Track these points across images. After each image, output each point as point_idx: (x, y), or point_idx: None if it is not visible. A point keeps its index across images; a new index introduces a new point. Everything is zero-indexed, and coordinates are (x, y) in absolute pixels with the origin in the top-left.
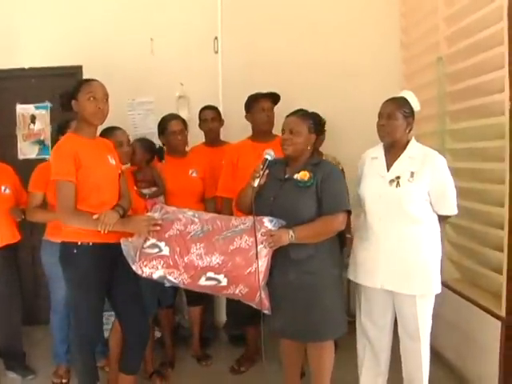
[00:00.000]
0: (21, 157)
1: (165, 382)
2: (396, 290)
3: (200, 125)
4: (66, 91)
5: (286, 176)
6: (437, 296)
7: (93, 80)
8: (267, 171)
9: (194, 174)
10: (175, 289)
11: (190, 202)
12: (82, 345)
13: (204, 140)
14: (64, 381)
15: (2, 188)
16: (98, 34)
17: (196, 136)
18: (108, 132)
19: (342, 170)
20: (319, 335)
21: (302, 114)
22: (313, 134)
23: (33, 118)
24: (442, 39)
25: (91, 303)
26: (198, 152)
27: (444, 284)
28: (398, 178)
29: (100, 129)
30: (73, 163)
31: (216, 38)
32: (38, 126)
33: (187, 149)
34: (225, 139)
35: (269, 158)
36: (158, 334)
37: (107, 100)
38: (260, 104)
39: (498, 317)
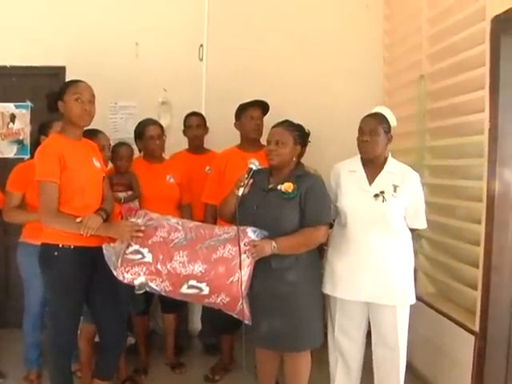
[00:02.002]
0: None
1: None
2: (378, 301)
3: (184, 131)
4: (53, 92)
5: (270, 186)
6: (412, 309)
7: (79, 81)
8: (251, 180)
9: (172, 180)
10: (148, 295)
11: (167, 208)
12: (57, 348)
13: (186, 147)
14: None
15: None
16: (84, 35)
17: (179, 143)
18: (90, 134)
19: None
20: (296, 345)
21: (288, 125)
22: (298, 145)
23: (12, 117)
24: (424, 57)
25: (69, 306)
26: (180, 158)
27: (419, 298)
28: (383, 192)
29: None
30: (57, 164)
31: (201, 45)
32: (17, 126)
33: (168, 155)
34: (207, 147)
35: (253, 167)
36: (131, 341)
37: (94, 102)
38: (248, 112)
39: (471, 331)
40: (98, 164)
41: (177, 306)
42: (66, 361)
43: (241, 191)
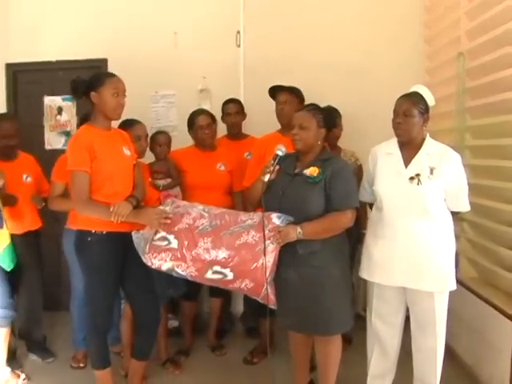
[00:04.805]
0: (47, 147)
1: (178, 369)
2: (414, 287)
3: (223, 118)
4: (82, 80)
5: (296, 171)
6: (453, 294)
7: (114, 75)
8: (278, 167)
9: (222, 168)
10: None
11: (218, 195)
12: (95, 330)
13: (225, 133)
14: (81, 365)
15: (24, 176)
16: (123, 28)
17: (220, 129)
18: (127, 124)
19: (361, 166)
20: (325, 329)
21: (311, 108)
22: (322, 128)
23: (59, 110)
24: (463, 34)
25: (104, 289)
26: (220, 144)
27: (460, 282)
28: (418, 175)
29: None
30: (88, 154)
31: (238, 31)
32: (64, 118)
33: None
34: (246, 132)
35: (280, 153)
36: (174, 323)
37: (125, 95)
38: (276, 97)
39: (510, 317)
40: (128, 152)
41: (225, 291)
42: (103, 340)
43: (267, 177)
